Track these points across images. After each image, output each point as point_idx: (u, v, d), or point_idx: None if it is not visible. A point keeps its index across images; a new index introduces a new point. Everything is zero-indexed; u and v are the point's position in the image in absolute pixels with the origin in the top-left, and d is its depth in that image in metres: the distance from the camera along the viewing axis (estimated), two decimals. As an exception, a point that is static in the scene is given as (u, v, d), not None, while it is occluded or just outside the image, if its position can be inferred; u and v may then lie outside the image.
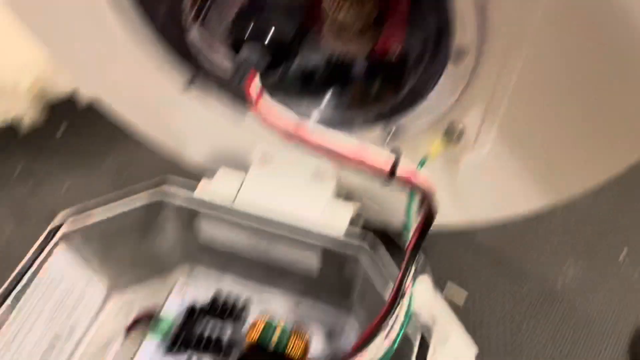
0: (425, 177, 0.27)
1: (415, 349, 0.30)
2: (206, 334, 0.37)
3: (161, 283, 0.41)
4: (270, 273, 0.40)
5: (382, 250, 0.33)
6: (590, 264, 0.44)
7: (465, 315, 0.41)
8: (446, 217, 0.39)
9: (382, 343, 0.29)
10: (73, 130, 0.50)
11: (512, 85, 0.30)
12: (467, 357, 0.39)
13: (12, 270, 0.31)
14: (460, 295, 0.42)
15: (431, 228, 0.40)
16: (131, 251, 0.39)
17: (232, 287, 0.41)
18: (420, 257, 0.45)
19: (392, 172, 0.26)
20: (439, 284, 0.43)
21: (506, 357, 0.39)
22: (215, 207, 0.35)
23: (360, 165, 0.26)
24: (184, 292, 0.40)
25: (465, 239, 0.45)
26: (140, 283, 0.41)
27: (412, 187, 0.27)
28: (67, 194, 0.48)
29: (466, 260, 0.44)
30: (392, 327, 0.29)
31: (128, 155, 0.50)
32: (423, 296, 0.32)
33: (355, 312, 0.40)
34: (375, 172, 0.26)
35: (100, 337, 0.39)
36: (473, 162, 0.36)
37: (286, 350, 0.33)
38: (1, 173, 0.49)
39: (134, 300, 0.41)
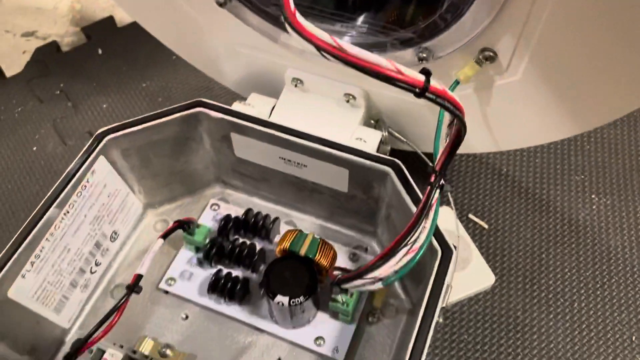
0: (456, 97, 0.28)
1: (438, 261, 0.31)
2: (237, 248, 0.39)
3: (195, 202, 0.43)
4: (299, 196, 0.41)
5: (407, 174, 0.34)
6: (615, 200, 0.44)
7: (487, 245, 0.43)
8: (475, 143, 0.40)
9: (406, 253, 0.31)
10: (112, 52, 0.52)
11: (547, 12, 0.31)
12: (485, 284, 0.41)
13: (57, 182, 0.34)
14: (482, 226, 0.44)
15: (460, 153, 0.41)
16: (167, 169, 0.41)
17: (262, 208, 0.42)
18: (447, 179, 0.47)
19: (425, 88, 0.27)
20: (462, 215, 0.44)
21: (525, 286, 0.40)
22: (251, 119, 0.36)
23: (396, 77, 0.26)
24: (217, 210, 0.42)
25: (491, 170, 0.46)
26: (175, 201, 0.43)
27: (443, 103, 0.28)
28: (105, 114, 0.50)
29: (490, 192, 0.45)
30: (417, 238, 0.31)
31: (165, 78, 0.51)
32: (446, 225, 0.33)
33: (378, 237, 0.41)
34: (409, 84, 0.27)
35: (139, 244, 0.41)
36: (504, 89, 0.36)
37: (315, 257, 0.35)
38: (43, 92, 0.51)
39: (169, 217, 0.43)
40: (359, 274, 0.33)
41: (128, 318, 0.38)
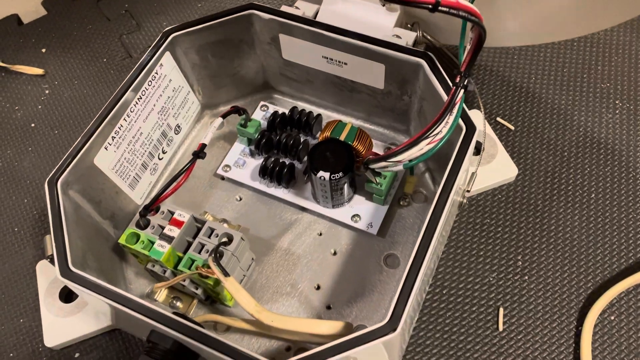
0: (470, 4, 0.31)
1: (461, 136, 0.35)
2: (284, 139, 0.44)
3: (246, 105, 0.48)
4: (339, 97, 0.46)
5: (438, 64, 0.38)
6: (639, 105, 0.47)
7: (512, 144, 0.46)
8: (499, 38, 0.42)
9: (428, 143, 0.35)
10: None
11: None
12: (508, 176, 0.44)
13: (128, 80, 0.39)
14: (509, 128, 0.47)
15: (493, 47, 0.43)
16: (223, 70, 0.46)
17: (306, 107, 0.47)
18: (472, 80, 0.50)
19: (437, 2, 0.28)
20: (491, 118, 0.47)
21: (546, 179, 0.44)
22: (299, 19, 0.40)
23: None
24: (266, 110, 0.47)
25: (520, 78, 0.49)
26: (229, 103, 0.48)
27: (458, 13, 0.30)
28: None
29: (518, 98, 0.48)
30: (439, 131, 0.35)
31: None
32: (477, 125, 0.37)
33: (410, 134, 0.45)
34: (422, 2, 0.29)
35: (198, 140, 0.46)
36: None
37: (353, 143, 0.40)
38: (110, 12, 0.57)
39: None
40: (384, 157, 0.37)
41: (190, 199, 0.44)
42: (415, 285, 0.30)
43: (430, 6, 0.28)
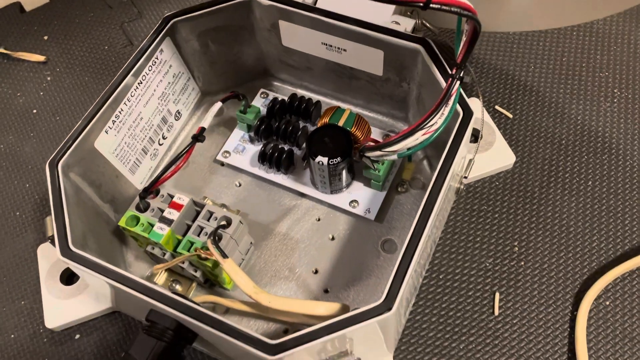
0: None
1: (458, 121, 0.35)
2: (283, 125, 0.44)
3: (246, 92, 0.48)
4: (339, 84, 0.46)
5: (436, 50, 0.38)
6: (637, 93, 0.47)
7: (510, 132, 0.46)
8: (499, 23, 0.42)
9: (423, 134, 0.35)
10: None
11: None
12: (506, 162, 0.45)
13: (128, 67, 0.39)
14: (507, 116, 0.47)
15: (494, 32, 0.43)
16: (222, 57, 0.46)
17: (305, 94, 0.47)
18: (468, 71, 0.50)
19: (428, 1, 0.29)
20: (490, 107, 0.48)
21: (543, 167, 0.44)
22: (298, 6, 0.40)
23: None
24: (265, 98, 0.47)
25: (519, 67, 0.49)
26: (228, 91, 0.48)
27: (450, 9, 0.30)
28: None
29: (517, 86, 0.48)
30: (435, 122, 0.35)
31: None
32: (474, 114, 0.37)
33: (409, 121, 0.46)
34: (413, 2, 0.29)
35: (198, 125, 0.47)
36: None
37: (351, 129, 0.40)
38: (110, 0, 0.57)
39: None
40: (379, 146, 0.38)
41: (190, 184, 0.44)
42: (410, 266, 0.30)
43: (421, 4, 0.29)
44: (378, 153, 0.38)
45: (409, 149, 0.37)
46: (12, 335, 0.40)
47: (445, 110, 0.35)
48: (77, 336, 0.40)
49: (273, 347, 0.29)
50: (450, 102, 0.35)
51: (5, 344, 0.40)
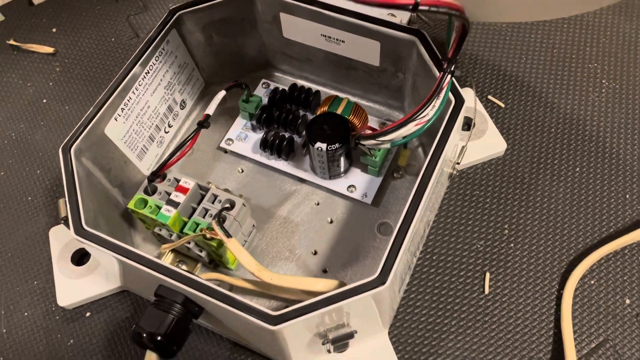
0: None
1: (450, 108, 0.37)
2: (284, 114, 0.46)
3: (248, 81, 0.50)
4: (337, 74, 0.48)
5: (431, 42, 0.40)
6: (624, 84, 0.48)
7: (502, 120, 0.48)
8: (491, 13, 0.44)
9: (415, 125, 0.37)
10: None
11: None
12: (498, 149, 0.47)
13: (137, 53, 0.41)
14: (499, 105, 0.49)
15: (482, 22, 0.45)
16: (226, 48, 0.48)
17: (305, 84, 0.49)
18: (459, 63, 0.52)
19: (417, 3, 0.29)
20: (482, 96, 0.49)
21: (533, 154, 0.46)
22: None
23: (387, 2, 0.30)
24: (267, 88, 0.49)
25: (512, 57, 0.51)
26: (232, 81, 0.50)
27: (438, 10, 0.31)
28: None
29: (509, 76, 0.50)
30: (426, 114, 0.37)
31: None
32: (466, 103, 0.39)
33: (405, 111, 0.48)
34: (401, 5, 0.30)
35: (202, 113, 0.49)
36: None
37: (349, 117, 0.42)
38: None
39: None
40: (374, 135, 0.40)
41: (195, 171, 0.46)
42: (403, 243, 0.32)
43: (410, 7, 0.30)
44: (372, 142, 0.40)
45: (403, 137, 0.39)
46: (26, 313, 0.42)
47: (437, 103, 0.37)
48: (88, 314, 0.42)
49: (275, 318, 0.31)
50: (442, 95, 0.37)
51: (19, 321, 0.42)
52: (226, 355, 0.40)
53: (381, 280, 0.31)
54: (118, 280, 0.42)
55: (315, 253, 0.42)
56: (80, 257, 0.43)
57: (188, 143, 0.38)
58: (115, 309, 0.42)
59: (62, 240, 0.44)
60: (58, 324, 0.42)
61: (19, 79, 0.54)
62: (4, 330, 0.42)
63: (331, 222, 0.43)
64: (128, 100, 0.41)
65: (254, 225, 0.43)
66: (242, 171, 0.46)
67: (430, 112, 0.37)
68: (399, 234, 0.33)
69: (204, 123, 0.39)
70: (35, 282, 0.44)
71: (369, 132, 0.41)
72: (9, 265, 0.44)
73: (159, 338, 0.33)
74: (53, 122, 0.51)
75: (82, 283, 0.42)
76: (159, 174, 0.38)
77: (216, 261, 0.42)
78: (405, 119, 0.38)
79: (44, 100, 0.53)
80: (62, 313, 0.42)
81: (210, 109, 0.40)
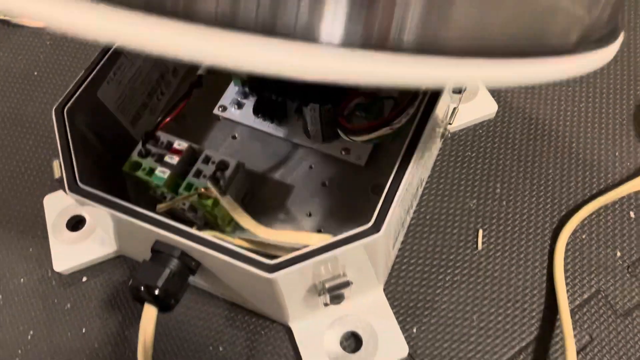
0: None
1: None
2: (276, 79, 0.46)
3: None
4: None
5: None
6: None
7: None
8: None
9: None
10: None
11: None
12: (489, 111, 0.47)
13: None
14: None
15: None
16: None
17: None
18: None
19: None
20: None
21: (524, 117, 0.47)
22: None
23: None
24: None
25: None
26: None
27: None
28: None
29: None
30: (400, 121, 0.37)
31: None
32: None
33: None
34: None
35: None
36: None
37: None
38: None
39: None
40: (351, 131, 0.40)
41: (188, 138, 0.46)
42: (398, 191, 0.33)
43: None
44: (347, 139, 0.40)
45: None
46: (22, 280, 0.42)
47: (410, 111, 0.37)
48: (84, 279, 0.42)
49: (271, 266, 0.31)
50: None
51: (16, 287, 0.42)
52: (224, 314, 0.40)
53: (376, 228, 0.32)
54: (114, 245, 0.42)
55: (310, 215, 0.43)
56: (75, 224, 0.43)
57: (181, 103, 0.38)
58: (111, 273, 0.42)
59: (57, 207, 0.44)
60: (54, 290, 0.42)
61: (9, 52, 0.54)
62: (0, 297, 0.42)
63: (325, 184, 0.44)
64: (121, 65, 0.41)
65: (248, 189, 0.43)
66: (236, 137, 0.46)
67: (403, 120, 0.37)
68: (393, 184, 0.33)
69: (196, 83, 0.39)
70: (31, 250, 0.44)
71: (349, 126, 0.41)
72: (3, 234, 0.44)
73: (156, 291, 0.33)
74: (44, 94, 0.51)
75: (78, 248, 0.42)
76: (152, 133, 0.38)
77: (211, 223, 0.42)
78: (379, 123, 0.38)
79: (35, 73, 0.53)
80: (59, 278, 0.42)
81: (201, 69, 0.40)
